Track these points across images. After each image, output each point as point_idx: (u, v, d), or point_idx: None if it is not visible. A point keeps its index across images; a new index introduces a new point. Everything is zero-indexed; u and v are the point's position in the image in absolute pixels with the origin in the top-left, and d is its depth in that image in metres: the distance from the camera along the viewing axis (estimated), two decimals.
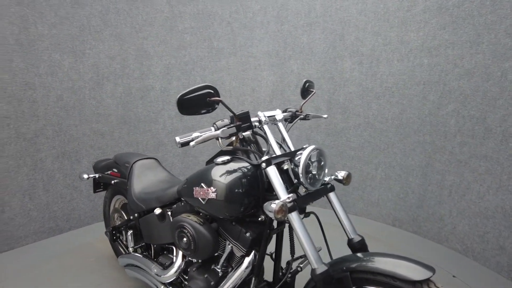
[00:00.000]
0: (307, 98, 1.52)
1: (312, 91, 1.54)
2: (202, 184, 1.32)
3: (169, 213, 1.71)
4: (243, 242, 1.34)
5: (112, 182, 2.10)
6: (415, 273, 0.98)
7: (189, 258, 1.62)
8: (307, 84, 1.55)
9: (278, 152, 1.25)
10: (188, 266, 1.61)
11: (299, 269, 1.50)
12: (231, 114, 1.20)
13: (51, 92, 2.71)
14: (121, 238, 2.18)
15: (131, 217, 1.94)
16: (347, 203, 3.28)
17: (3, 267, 2.34)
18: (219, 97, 1.12)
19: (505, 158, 2.16)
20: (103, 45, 2.93)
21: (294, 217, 1.13)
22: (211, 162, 1.49)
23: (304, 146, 1.33)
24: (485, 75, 2.24)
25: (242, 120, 1.20)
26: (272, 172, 1.16)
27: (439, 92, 2.55)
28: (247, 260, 1.36)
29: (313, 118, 1.56)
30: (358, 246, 1.29)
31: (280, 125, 1.37)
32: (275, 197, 1.26)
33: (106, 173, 2.26)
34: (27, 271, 2.29)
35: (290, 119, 1.47)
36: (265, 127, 1.29)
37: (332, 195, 1.33)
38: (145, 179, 1.93)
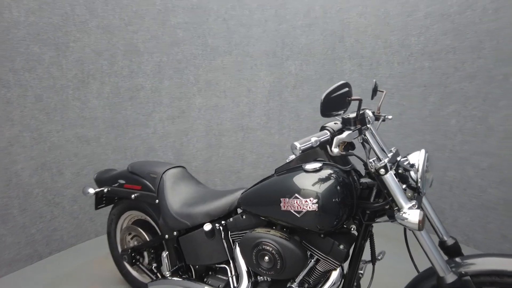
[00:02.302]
0: (381, 99, 1.47)
1: (383, 91, 1.49)
2: (296, 194, 1.18)
3: (219, 228, 1.52)
4: (337, 256, 1.23)
5: (132, 196, 1.81)
6: None
7: (254, 278, 1.46)
8: (377, 84, 1.50)
9: (381, 156, 1.17)
10: (254, 286, 1.44)
11: (360, 275, 1.45)
12: (348, 116, 1.08)
13: (29, 92, 2.26)
14: (141, 260, 1.89)
15: (166, 236, 1.68)
16: None
17: None
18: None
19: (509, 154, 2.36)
20: (88, 38, 2.54)
21: None
22: (282, 170, 1.35)
23: (392, 149, 1.27)
24: (487, 78, 2.43)
25: (361, 123, 1.10)
26: (391, 179, 1.08)
27: (439, 94, 2.70)
28: (335, 274, 1.28)
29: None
30: (452, 249, 1.27)
31: (372, 127, 1.29)
32: (373, 205, 1.19)
33: (114, 185, 1.95)
34: None
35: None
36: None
37: (423, 197, 1.29)
38: (181, 192, 1.69)
